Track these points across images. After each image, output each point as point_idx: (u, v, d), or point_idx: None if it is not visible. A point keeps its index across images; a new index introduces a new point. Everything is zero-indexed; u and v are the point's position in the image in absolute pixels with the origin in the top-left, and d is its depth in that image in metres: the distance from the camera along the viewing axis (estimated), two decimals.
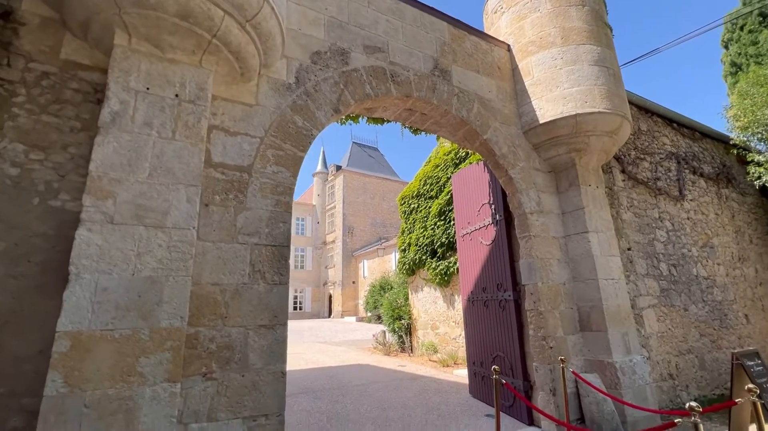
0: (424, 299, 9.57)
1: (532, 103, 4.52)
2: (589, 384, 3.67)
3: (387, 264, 30.50)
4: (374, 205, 37.71)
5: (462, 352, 8.05)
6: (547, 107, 4.39)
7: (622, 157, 5.53)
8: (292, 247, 38.16)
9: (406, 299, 10.38)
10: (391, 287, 25.59)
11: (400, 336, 10.18)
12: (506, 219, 4.70)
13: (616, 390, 3.81)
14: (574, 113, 4.20)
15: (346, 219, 35.42)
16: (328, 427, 4.20)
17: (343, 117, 4.56)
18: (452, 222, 8.46)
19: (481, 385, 5.04)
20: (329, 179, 39.20)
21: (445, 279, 8.60)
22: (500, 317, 4.64)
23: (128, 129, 2.25)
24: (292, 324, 24.10)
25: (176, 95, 2.44)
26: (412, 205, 10.31)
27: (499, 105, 4.53)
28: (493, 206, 4.93)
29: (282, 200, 2.90)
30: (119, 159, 2.18)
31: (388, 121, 4.53)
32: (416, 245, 9.68)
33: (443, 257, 8.81)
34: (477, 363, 5.15)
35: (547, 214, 4.48)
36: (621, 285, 4.36)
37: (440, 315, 8.94)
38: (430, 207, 9.46)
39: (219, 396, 2.37)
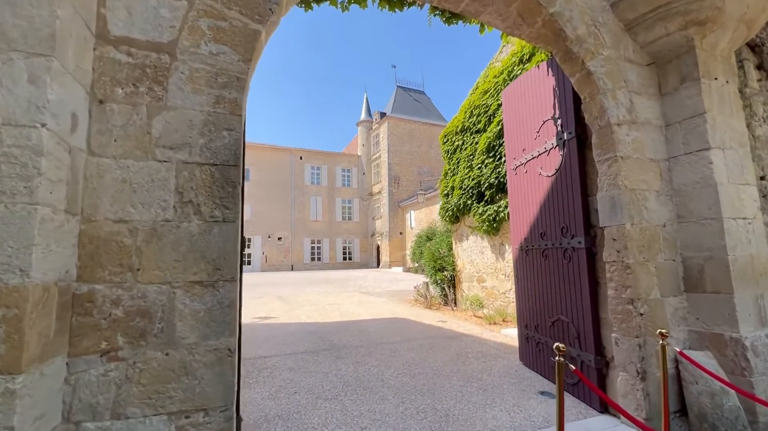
0: (470, 249, 8.50)
1: None
2: (699, 366, 2.50)
3: (434, 214, 29.39)
4: (421, 153, 36.01)
5: (512, 308, 7.02)
6: None
7: (761, 44, 3.76)
8: (338, 199, 38.29)
9: (450, 249, 9.37)
10: (437, 236, 24.81)
11: (443, 289, 9.34)
12: (578, 137, 3.35)
13: (743, 378, 2.60)
14: None
15: (391, 169, 34.33)
16: (341, 396, 3.50)
17: None
18: (501, 160, 7.06)
19: (534, 352, 4.04)
20: (374, 127, 37.75)
21: (494, 227, 7.40)
22: (565, 271, 3.48)
23: None
24: (338, 274, 24.43)
25: None
26: (456, 143, 8.93)
27: None
28: (559, 121, 3.57)
29: (226, 96, 1.90)
30: None
31: (410, 3, 3.24)
32: (460, 188, 8.44)
33: (492, 201, 7.53)
34: (530, 326, 4.12)
35: (642, 125, 3.07)
36: (758, 227, 2.95)
37: (488, 267, 7.86)
38: (476, 142, 8.04)
39: (129, 383, 1.60)
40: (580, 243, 3.26)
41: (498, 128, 7.15)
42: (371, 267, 36.35)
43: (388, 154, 34.45)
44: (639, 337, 2.74)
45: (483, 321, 6.97)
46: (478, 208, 7.76)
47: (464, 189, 8.28)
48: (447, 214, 9.03)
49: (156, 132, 1.76)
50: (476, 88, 8.43)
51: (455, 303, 8.88)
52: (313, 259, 35.95)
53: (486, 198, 7.59)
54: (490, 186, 7.36)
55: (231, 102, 1.90)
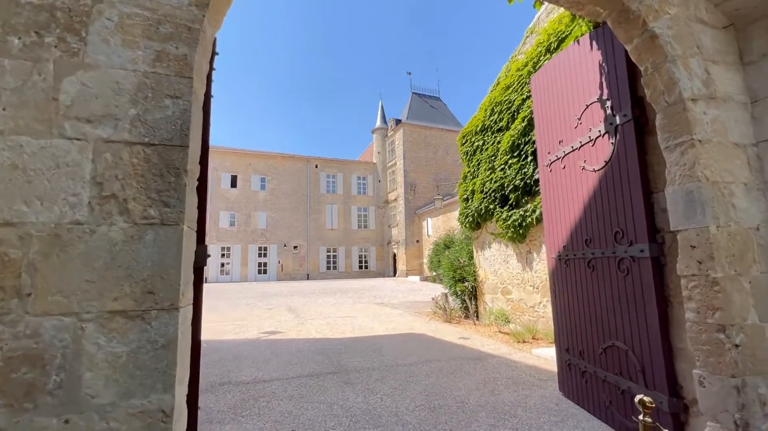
0: (492, 258, 7.81)
1: None
2: None
3: (452, 221, 28.63)
4: (437, 160, 35.38)
5: (543, 324, 6.29)
6: None
7: None
8: (354, 207, 37.92)
9: (470, 258, 8.68)
10: (455, 244, 23.97)
11: (463, 301, 8.64)
12: (636, 119, 2.71)
13: None
14: None
15: (407, 176, 33.79)
16: None
17: None
18: (528, 159, 6.41)
19: (578, 383, 3.35)
20: (389, 135, 37.41)
21: (520, 233, 6.72)
22: (620, 285, 2.81)
23: None
24: (353, 283, 23.85)
25: None
26: (476, 143, 8.31)
27: None
28: (608, 103, 2.93)
29: (170, 52, 1.38)
30: None
31: None
32: (482, 192, 7.80)
33: (517, 205, 6.86)
34: (573, 351, 3.43)
35: (722, 102, 2.41)
36: None
37: (513, 277, 7.16)
38: (498, 142, 7.41)
39: None
40: (642, 251, 2.59)
41: (523, 125, 6.51)
42: (387, 276, 35.66)
43: (404, 161, 33.96)
44: (735, 377, 2.06)
45: (510, 339, 6.26)
46: (502, 212, 7.09)
47: (486, 192, 7.63)
48: (467, 219, 8.38)
49: (66, 98, 1.25)
50: (497, 84, 7.82)
51: (477, 316, 8.17)
52: (329, 268, 35.56)
53: (510, 201, 6.92)
54: (515, 188, 6.69)
55: (178, 60, 1.38)
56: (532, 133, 6.35)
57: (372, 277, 35.05)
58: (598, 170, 3.04)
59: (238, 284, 26.89)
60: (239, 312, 10.46)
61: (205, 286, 19.80)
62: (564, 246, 3.56)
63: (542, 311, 6.36)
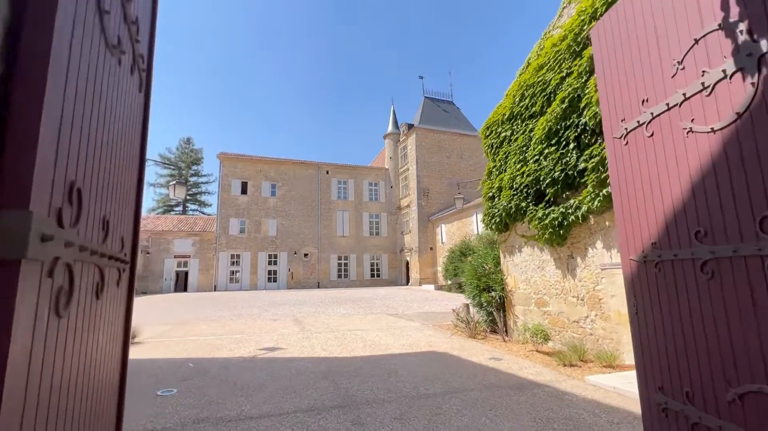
0: (524, 264, 6.80)
1: None
2: None
3: (467, 227, 27.54)
4: (451, 164, 34.41)
5: (593, 343, 5.24)
6: None
7: None
8: (365, 214, 36.94)
9: (497, 264, 7.68)
10: (472, 251, 22.69)
11: (489, 313, 7.62)
12: None
13: None
14: None
15: (420, 182, 32.87)
16: None
17: None
18: (570, 147, 5.43)
19: None
20: (401, 140, 36.65)
21: (560, 234, 5.71)
22: (764, 300, 1.83)
23: None
24: (365, 292, 22.87)
25: None
26: (503, 134, 7.36)
27: None
28: (742, 25, 1.97)
29: None
30: None
31: None
32: (510, 188, 6.83)
33: (555, 201, 5.88)
34: (672, 392, 2.43)
35: None
36: None
37: (550, 286, 6.13)
38: (531, 130, 6.45)
39: None
40: None
41: (562, 107, 5.54)
42: (400, 285, 34.56)
43: (417, 166, 33.06)
44: None
45: (552, 360, 5.22)
46: (536, 211, 6.10)
47: (516, 189, 6.66)
48: (493, 220, 7.40)
49: None
50: (527, 66, 6.89)
51: (506, 331, 7.13)
52: (339, 276, 34.67)
53: (547, 198, 5.94)
54: (554, 182, 5.71)
55: None
56: (573, 116, 5.39)
57: (384, 286, 34.00)
58: (722, 129, 2.07)
59: (247, 292, 26.20)
60: (240, 324, 9.61)
61: (214, 295, 19.30)
62: (653, 244, 2.58)
63: (590, 327, 5.32)
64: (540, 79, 6.28)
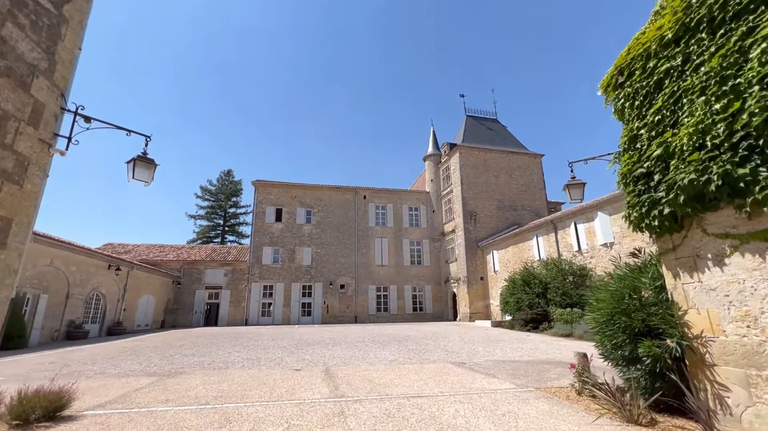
0: (734, 287, 3.63)
1: None
2: None
3: (526, 252, 23.79)
4: (499, 185, 31.14)
5: None
6: None
7: None
8: (406, 241, 33.60)
9: (661, 288, 4.52)
10: (538, 280, 18.71)
11: (652, 374, 4.38)
12: None
13: None
14: None
15: (466, 204, 29.75)
16: None
17: None
18: None
19: None
20: (442, 160, 34.07)
21: None
22: None
23: None
24: (409, 329, 19.50)
25: None
26: (662, 67, 4.43)
27: None
28: None
29: None
30: None
31: None
32: (698, 148, 3.81)
33: None
34: None
35: None
36: None
37: None
38: (747, 34, 3.51)
39: None
40: None
41: None
42: (447, 320, 30.68)
43: (461, 187, 30.09)
44: None
45: None
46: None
47: (717, 145, 3.64)
48: (650, 213, 4.34)
49: None
50: None
51: (708, 413, 3.83)
52: (378, 310, 31.44)
53: None
54: None
55: None
56: None
57: (429, 321, 30.28)
58: None
59: (278, 328, 23.61)
60: (249, 377, 6.87)
61: (241, 330, 16.38)
62: None
63: None
64: None
